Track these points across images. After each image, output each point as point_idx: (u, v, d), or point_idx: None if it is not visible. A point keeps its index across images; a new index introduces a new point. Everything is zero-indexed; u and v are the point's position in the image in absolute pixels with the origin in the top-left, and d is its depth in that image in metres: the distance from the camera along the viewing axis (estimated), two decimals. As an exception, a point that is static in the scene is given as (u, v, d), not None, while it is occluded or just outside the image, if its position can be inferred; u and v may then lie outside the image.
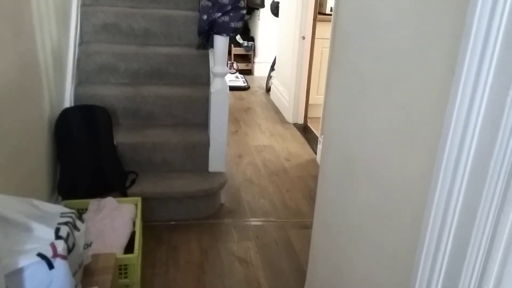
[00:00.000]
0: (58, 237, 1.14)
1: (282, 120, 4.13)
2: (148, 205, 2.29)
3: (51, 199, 2.10)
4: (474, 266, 0.64)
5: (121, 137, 2.41)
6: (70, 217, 1.25)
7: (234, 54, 5.63)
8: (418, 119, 0.80)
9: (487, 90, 0.61)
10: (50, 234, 1.14)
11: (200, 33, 2.47)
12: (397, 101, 0.88)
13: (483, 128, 0.62)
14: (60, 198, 2.16)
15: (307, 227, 2.41)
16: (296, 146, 3.56)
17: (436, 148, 0.70)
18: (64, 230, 1.17)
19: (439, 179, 0.67)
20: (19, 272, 1.06)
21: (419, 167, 0.79)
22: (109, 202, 2.03)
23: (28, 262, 1.06)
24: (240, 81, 5.10)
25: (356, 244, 1.06)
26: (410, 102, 0.83)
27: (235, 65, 5.33)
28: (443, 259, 0.68)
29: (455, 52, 0.66)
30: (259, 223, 2.46)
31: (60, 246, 1.12)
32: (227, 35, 2.32)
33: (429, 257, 0.71)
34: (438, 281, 0.70)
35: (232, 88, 4.69)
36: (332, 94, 1.24)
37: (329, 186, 1.24)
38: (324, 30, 3.69)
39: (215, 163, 2.55)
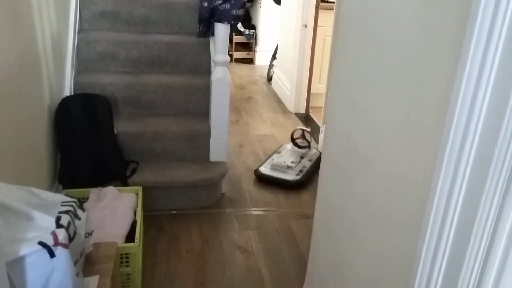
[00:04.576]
0: (59, 225, 1.14)
1: (284, 109, 4.11)
2: (149, 194, 2.29)
3: (51, 188, 2.10)
4: (477, 255, 0.63)
5: (121, 126, 2.40)
6: (71, 205, 1.25)
7: (235, 43, 5.59)
8: (422, 109, 0.79)
9: (492, 79, 0.60)
10: (51, 222, 1.14)
11: (201, 20, 2.44)
12: (401, 90, 0.86)
13: (487, 117, 0.61)
14: (61, 187, 2.16)
15: (308, 217, 2.41)
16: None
17: (439, 138, 0.70)
18: (65, 219, 1.17)
19: (442, 169, 0.67)
20: (20, 260, 1.07)
21: (422, 158, 0.79)
22: (110, 191, 2.03)
23: (29, 250, 1.06)
24: (292, 171, 2.78)
25: (357, 235, 1.06)
26: (414, 92, 0.82)
27: (308, 136, 3.07)
28: (445, 248, 0.68)
29: (460, 41, 0.65)
30: (260, 212, 2.46)
31: (61, 234, 1.12)
32: (228, 22, 2.30)
33: (431, 247, 0.71)
34: (440, 270, 0.70)
35: (273, 181, 2.72)
36: (334, 84, 1.23)
37: (331, 176, 1.23)
38: (327, 18, 3.66)
39: (216, 153, 2.54)
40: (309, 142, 3.07)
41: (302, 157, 2.96)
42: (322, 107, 3.42)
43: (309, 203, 2.55)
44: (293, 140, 3.07)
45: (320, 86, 3.94)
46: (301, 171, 2.80)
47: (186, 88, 2.59)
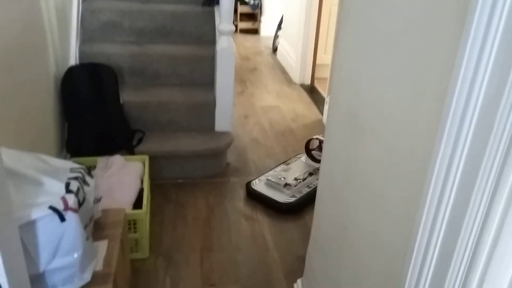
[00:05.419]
0: (68, 191, 1.17)
1: (289, 80, 4.09)
2: (156, 163, 2.32)
3: (59, 156, 2.14)
4: (476, 216, 0.65)
5: (127, 96, 2.41)
6: (80, 172, 1.28)
7: (240, 13, 5.51)
8: (427, 74, 0.80)
9: (497, 42, 0.60)
10: (60, 188, 1.17)
11: (206, -11, 2.41)
12: (406, 56, 0.86)
13: (490, 81, 0.62)
14: (68, 155, 2.19)
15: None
16: (303, 107, 3.55)
17: (442, 105, 0.70)
18: (74, 185, 1.20)
19: (444, 133, 0.68)
20: (32, 224, 1.10)
21: (425, 122, 0.79)
22: (117, 159, 2.06)
23: (40, 214, 1.10)
24: (289, 190, 2.27)
25: (361, 200, 1.08)
26: (419, 57, 0.82)
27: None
28: (446, 209, 0.70)
29: (466, 3, 0.65)
30: (265, 182, 2.48)
31: (71, 199, 1.15)
32: (233, -9, 2.26)
33: (431, 210, 0.73)
34: (439, 232, 0.72)
35: (262, 200, 2.26)
36: (339, 52, 1.23)
37: (335, 142, 1.25)
38: (333, -13, 3.59)
39: (221, 123, 2.56)
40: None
41: (311, 174, 2.41)
42: (327, 78, 3.40)
43: (313, 173, 2.57)
44: (307, 150, 2.55)
45: (325, 56, 3.91)
46: (300, 191, 2.28)
47: (191, 58, 2.58)
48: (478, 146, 0.64)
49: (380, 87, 0.97)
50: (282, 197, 2.24)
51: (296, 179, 2.34)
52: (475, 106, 0.64)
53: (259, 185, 2.33)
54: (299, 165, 2.52)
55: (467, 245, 0.68)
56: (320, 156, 2.39)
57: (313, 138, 2.56)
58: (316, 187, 2.15)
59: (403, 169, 0.88)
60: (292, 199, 2.23)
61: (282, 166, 2.51)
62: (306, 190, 2.29)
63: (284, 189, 2.27)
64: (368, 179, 1.03)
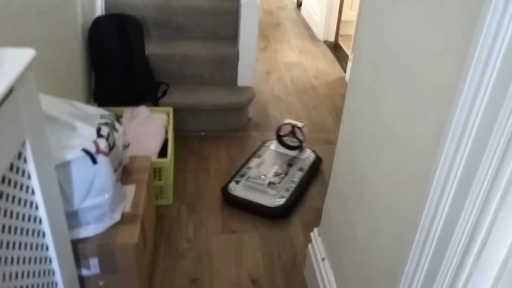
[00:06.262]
0: (99, 135, 1.23)
1: (313, 37, 4.03)
2: (179, 116, 2.37)
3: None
4: (491, 163, 0.67)
5: (152, 48, 2.43)
6: (109, 118, 1.33)
7: (265, -34, 5.36)
8: (451, 27, 0.80)
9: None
10: (92, 132, 1.23)
11: None
12: (431, 6, 0.86)
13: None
14: (96, 105, 2.26)
15: (331, 143, 2.46)
16: (326, 64, 3.52)
17: (466, 54, 0.71)
18: (104, 130, 1.26)
19: (466, 82, 0.69)
20: (66, 164, 1.17)
21: (448, 73, 0.81)
22: (143, 110, 2.12)
23: (74, 156, 1.17)
24: (275, 190, 1.95)
25: (383, 147, 1.11)
26: (445, 9, 0.82)
27: (299, 133, 2.28)
28: (460, 160, 0.73)
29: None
30: (285, 137, 2.52)
31: (102, 143, 1.21)
32: None
33: (448, 157, 0.75)
34: (454, 178, 0.75)
35: (245, 206, 1.93)
36: (364, 7, 1.22)
37: (357, 95, 1.26)
38: None
39: (244, 78, 2.57)
40: (301, 142, 2.25)
41: (290, 165, 2.13)
42: (352, 35, 3.33)
43: (333, 130, 2.59)
44: (279, 137, 2.27)
45: (351, 13, 3.81)
46: (287, 189, 1.97)
47: (215, 11, 2.57)
48: (498, 94, 0.65)
49: (405, 39, 0.98)
50: (269, 200, 1.91)
51: (276, 174, 2.03)
52: (498, 55, 0.65)
53: (238, 189, 1.96)
54: (271, 156, 2.20)
55: (479, 192, 0.70)
56: (294, 142, 2.25)
57: (285, 124, 2.29)
58: (300, 181, 2.03)
59: (425, 118, 0.90)
60: (282, 200, 1.91)
61: (255, 161, 2.16)
62: (292, 187, 2.00)
63: (269, 189, 1.94)
64: (390, 131, 1.06)
